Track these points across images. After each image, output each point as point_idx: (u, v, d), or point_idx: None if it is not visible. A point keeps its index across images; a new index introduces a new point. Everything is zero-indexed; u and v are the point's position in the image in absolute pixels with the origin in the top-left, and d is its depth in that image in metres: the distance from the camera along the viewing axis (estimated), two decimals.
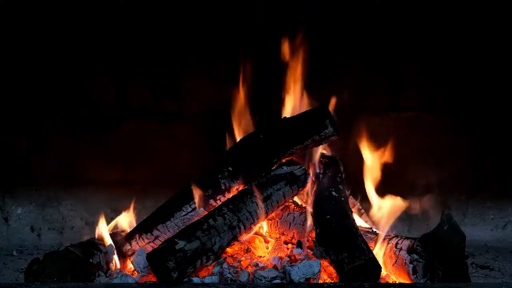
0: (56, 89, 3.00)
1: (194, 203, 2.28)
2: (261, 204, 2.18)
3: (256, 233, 2.35)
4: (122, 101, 3.04)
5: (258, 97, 2.64)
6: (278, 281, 1.97)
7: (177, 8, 2.95)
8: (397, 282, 2.05)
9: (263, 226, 2.40)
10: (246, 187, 2.27)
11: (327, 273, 2.07)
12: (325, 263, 2.06)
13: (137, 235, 2.29)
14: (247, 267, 2.12)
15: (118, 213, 2.53)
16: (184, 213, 2.28)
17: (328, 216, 2.14)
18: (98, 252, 2.14)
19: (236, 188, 2.33)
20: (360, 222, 2.44)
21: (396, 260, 2.07)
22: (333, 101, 2.45)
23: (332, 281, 2.02)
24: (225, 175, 2.33)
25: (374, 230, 2.31)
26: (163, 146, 3.01)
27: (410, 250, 2.01)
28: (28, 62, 2.97)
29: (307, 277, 1.96)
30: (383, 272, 2.09)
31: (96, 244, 2.19)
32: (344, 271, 1.90)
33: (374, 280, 1.89)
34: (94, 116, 3.03)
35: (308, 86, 2.56)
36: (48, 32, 2.94)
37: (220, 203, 2.26)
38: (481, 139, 3.06)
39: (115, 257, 2.22)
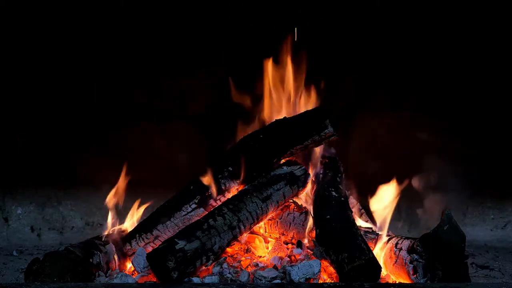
0: (57, 90, 3.00)
1: (194, 203, 2.29)
2: (261, 204, 2.18)
3: (256, 233, 2.35)
4: (122, 101, 3.04)
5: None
6: (278, 281, 1.97)
7: (176, 10, 2.95)
8: (397, 282, 2.05)
9: (263, 226, 2.40)
10: (246, 187, 2.27)
11: (327, 273, 2.07)
12: (325, 263, 2.06)
13: (137, 235, 2.29)
14: (247, 267, 2.12)
15: (118, 213, 2.53)
16: (184, 213, 2.28)
17: (328, 216, 2.14)
18: (98, 252, 2.14)
19: (236, 188, 2.33)
20: (360, 222, 2.44)
21: (396, 260, 2.07)
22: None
23: (332, 281, 2.02)
24: (225, 175, 2.32)
25: (374, 230, 2.31)
26: (163, 146, 3.01)
27: (410, 250, 2.01)
28: (28, 63, 2.97)
29: (307, 277, 1.96)
30: (383, 272, 2.09)
31: (96, 244, 2.19)
32: (344, 271, 1.90)
33: (374, 280, 1.89)
34: (94, 116, 3.04)
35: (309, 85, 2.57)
36: (51, 36, 2.95)
37: (220, 203, 2.26)
38: (481, 139, 3.06)
39: (115, 257, 2.22)
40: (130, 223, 2.40)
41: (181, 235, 2.00)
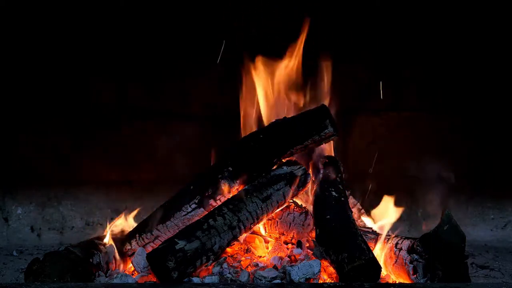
0: (56, 90, 3.00)
1: (194, 203, 2.28)
2: (261, 204, 2.18)
3: (256, 233, 2.35)
4: (122, 101, 3.05)
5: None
6: (278, 281, 1.97)
7: (177, 10, 2.95)
8: (397, 282, 2.05)
9: (263, 226, 2.40)
10: (246, 187, 2.27)
11: (327, 273, 2.07)
12: (325, 263, 2.06)
13: (137, 235, 2.29)
14: (247, 267, 2.12)
15: (118, 213, 2.53)
16: (184, 213, 2.28)
17: (328, 216, 2.14)
18: (98, 252, 2.14)
19: (236, 188, 2.33)
20: (360, 222, 2.44)
21: (396, 260, 2.07)
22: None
23: (332, 281, 2.02)
24: (225, 175, 2.32)
25: (374, 230, 2.31)
26: (163, 146, 3.01)
27: (410, 250, 2.01)
28: (28, 63, 2.98)
29: (307, 277, 1.96)
30: (383, 272, 2.09)
31: (96, 244, 2.19)
32: (344, 271, 1.90)
33: (374, 280, 1.89)
34: (94, 116, 3.04)
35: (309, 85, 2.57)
36: (51, 36, 2.95)
37: (220, 203, 2.26)
38: (481, 139, 3.06)
39: (116, 257, 2.22)
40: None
41: (181, 235, 2.00)
